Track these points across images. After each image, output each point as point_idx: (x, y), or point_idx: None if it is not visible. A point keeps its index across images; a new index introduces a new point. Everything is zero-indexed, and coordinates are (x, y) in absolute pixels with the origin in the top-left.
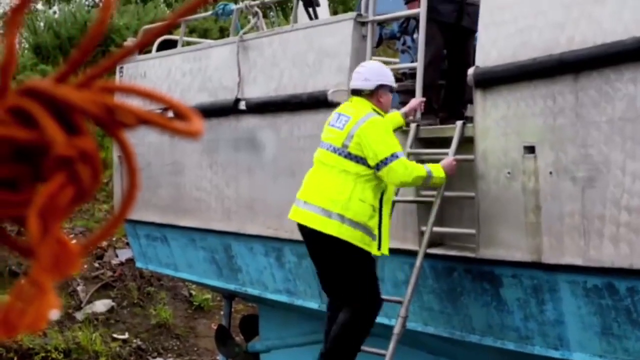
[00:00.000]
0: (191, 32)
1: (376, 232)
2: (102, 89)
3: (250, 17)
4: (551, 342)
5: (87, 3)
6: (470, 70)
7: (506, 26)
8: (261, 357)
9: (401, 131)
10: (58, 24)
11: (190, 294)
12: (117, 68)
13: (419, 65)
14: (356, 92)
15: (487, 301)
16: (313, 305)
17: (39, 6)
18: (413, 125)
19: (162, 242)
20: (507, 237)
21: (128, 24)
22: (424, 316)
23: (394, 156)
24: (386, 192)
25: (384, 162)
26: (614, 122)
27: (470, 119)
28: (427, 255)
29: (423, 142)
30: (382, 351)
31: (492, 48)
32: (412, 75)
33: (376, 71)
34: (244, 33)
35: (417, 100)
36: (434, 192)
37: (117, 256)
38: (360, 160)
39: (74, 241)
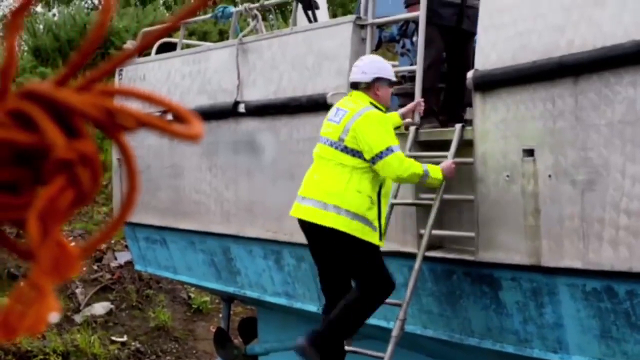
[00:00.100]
0: (190, 34)
1: (376, 223)
2: (102, 92)
3: (249, 19)
4: (550, 345)
5: (86, 5)
6: (470, 73)
7: (506, 29)
8: None
9: (400, 134)
10: (57, 27)
11: (189, 297)
12: (116, 71)
13: (418, 68)
14: (354, 86)
15: (486, 304)
16: (312, 308)
17: (39, 8)
18: (412, 128)
19: (161, 244)
20: (507, 240)
21: (127, 26)
22: (423, 319)
23: (389, 150)
24: (384, 185)
25: (379, 156)
26: (614, 125)
27: (469, 122)
28: (426, 258)
29: (422, 145)
30: (381, 354)
31: (491, 51)
32: (411, 78)
33: (374, 64)
34: (244, 36)
35: (415, 102)
36: (433, 195)
37: (116, 259)
38: (356, 153)
39: (73, 244)
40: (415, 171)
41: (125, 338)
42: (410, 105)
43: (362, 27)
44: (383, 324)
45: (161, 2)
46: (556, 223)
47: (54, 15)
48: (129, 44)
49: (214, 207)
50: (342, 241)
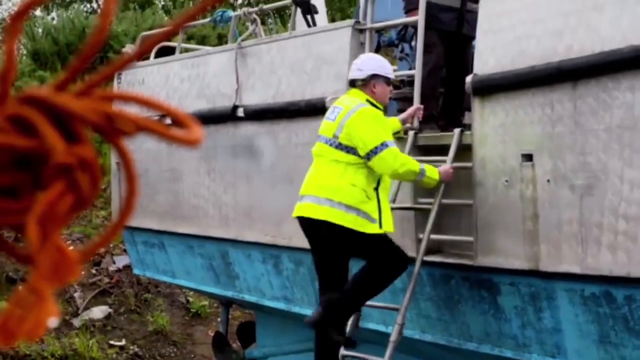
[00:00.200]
0: (189, 38)
1: (376, 215)
2: (102, 97)
3: (248, 24)
4: (549, 350)
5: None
6: (468, 78)
7: (504, 34)
8: None
9: (399, 138)
10: (56, 30)
11: (188, 301)
12: (115, 75)
13: (417, 72)
14: (352, 83)
15: (485, 309)
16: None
17: (38, 12)
18: (411, 133)
19: (159, 248)
20: (505, 245)
21: (126, 30)
22: (421, 324)
23: (384, 145)
24: (382, 180)
25: (374, 152)
26: (612, 130)
27: (468, 127)
28: (424, 263)
29: (421, 149)
30: (379, 359)
31: (490, 56)
32: (410, 82)
33: (370, 61)
34: (242, 40)
35: (414, 107)
36: (432, 200)
37: (114, 263)
38: (350, 150)
39: (71, 248)
40: (411, 167)
41: (123, 342)
42: (410, 110)
43: (361, 31)
44: (381, 328)
45: (160, 5)
46: (555, 228)
47: (53, 19)
48: (129, 48)
49: (213, 212)
50: (339, 234)
